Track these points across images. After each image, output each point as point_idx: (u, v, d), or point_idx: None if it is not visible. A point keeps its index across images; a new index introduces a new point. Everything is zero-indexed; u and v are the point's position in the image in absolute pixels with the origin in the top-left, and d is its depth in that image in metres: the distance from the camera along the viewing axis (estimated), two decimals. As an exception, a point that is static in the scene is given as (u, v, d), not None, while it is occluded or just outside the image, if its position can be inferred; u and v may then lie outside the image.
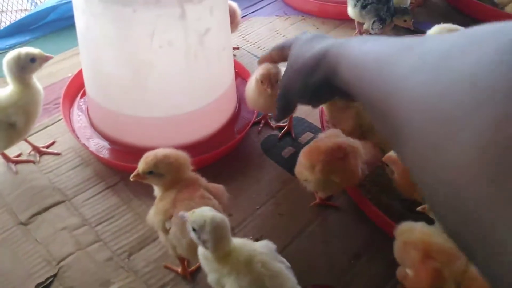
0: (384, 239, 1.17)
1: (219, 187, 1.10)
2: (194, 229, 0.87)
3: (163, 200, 1.05)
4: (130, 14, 1.08)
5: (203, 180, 1.10)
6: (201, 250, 0.92)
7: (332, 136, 1.19)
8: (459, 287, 0.91)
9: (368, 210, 1.25)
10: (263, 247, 0.95)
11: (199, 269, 1.11)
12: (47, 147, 1.44)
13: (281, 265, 0.92)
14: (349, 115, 1.32)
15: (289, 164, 1.41)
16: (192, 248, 0.96)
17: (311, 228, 1.25)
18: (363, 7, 1.87)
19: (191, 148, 1.39)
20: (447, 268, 0.94)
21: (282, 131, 1.50)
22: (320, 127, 1.48)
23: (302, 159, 1.16)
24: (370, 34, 1.91)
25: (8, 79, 1.25)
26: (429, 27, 1.69)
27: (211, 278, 0.92)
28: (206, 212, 0.87)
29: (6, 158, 1.36)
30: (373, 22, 1.84)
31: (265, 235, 1.21)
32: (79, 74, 1.58)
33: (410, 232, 1.02)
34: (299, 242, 1.21)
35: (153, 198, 1.29)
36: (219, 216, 0.88)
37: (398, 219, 1.09)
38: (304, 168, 1.15)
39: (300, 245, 1.20)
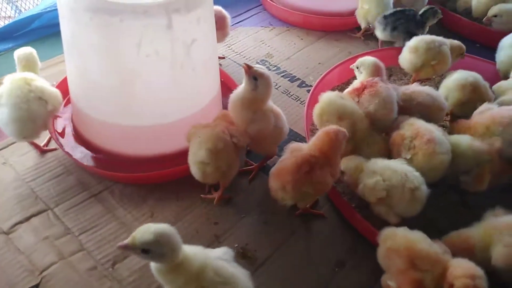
0: (367, 246, 1.20)
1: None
2: (144, 250, 0.84)
3: None
4: (117, 23, 1.08)
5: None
6: (153, 264, 0.91)
7: (295, 151, 1.22)
8: None
9: (352, 218, 1.27)
10: (219, 254, 0.96)
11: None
12: (46, 145, 1.45)
13: (236, 270, 0.93)
14: (344, 125, 1.34)
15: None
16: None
17: (295, 236, 1.26)
18: (393, 29, 1.92)
19: (176, 157, 1.40)
20: (429, 274, 0.96)
21: (252, 174, 1.44)
22: (304, 135, 1.50)
23: (272, 182, 1.19)
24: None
25: None
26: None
27: None
28: (150, 229, 0.85)
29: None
30: (404, 39, 1.87)
31: (250, 243, 1.22)
32: (64, 82, 1.57)
33: (393, 239, 1.04)
34: (284, 250, 1.22)
35: (138, 207, 1.29)
36: (165, 227, 0.87)
37: (380, 227, 1.11)
38: (276, 190, 1.18)
39: (285, 252, 1.21)
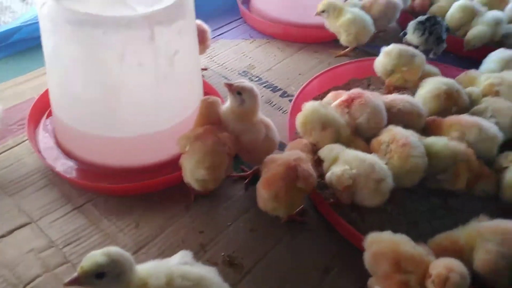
0: (352, 252, 1.21)
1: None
2: (98, 275, 0.80)
3: None
4: (100, 36, 1.10)
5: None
6: None
7: (273, 161, 1.23)
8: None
9: (337, 224, 1.29)
10: (177, 260, 0.95)
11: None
12: None
13: (202, 270, 0.93)
14: (328, 134, 1.38)
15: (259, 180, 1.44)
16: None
17: (282, 243, 1.27)
18: (430, 34, 1.94)
19: (160, 167, 1.41)
20: (414, 275, 0.99)
21: (247, 180, 1.46)
22: (287, 144, 1.53)
23: (262, 191, 1.20)
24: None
25: None
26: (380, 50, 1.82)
27: None
28: (98, 253, 0.82)
29: None
30: (438, 44, 1.93)
31: (236, 251, 1.23)
32: (45, 94, 1.56)
33: (379, 242, 1.07)
34: (271, 257, 1.23)
35: (122, 219, 1.29)
36: (111, 247, 0.84)
37: (365, 232, 1.13)
38: (268, 199, 1.19)
39: (272, 259, 1.22)
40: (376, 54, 1.90)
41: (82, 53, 1.17)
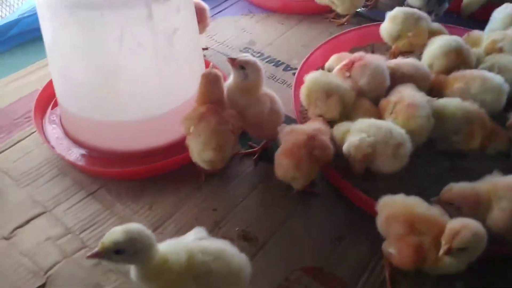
0: (364, 219, 1.22)
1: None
2: (117, 252, 0.81)
3: None
4: (97, 18, 1.09)
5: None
6: (135, 274, 0.87)
7: (294, 130, 1.24)
8: (438, 250, 0.96)
9: (348, 191, 1.29)
10: (192, 237, 0.95)
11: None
12: None
13: (220, 243, 0.94)
14: (333, 101, 1.37)
15: (267, 155, 1.44)
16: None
17: (294, 215, 1.28)
18: None
19: (169, 148, 1.41)
20: (428, 236, 0.98)
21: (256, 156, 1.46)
22: (294, 117, 1.52)
23: (283, 160, 1.19)
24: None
25: None
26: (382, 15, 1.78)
27: None
28: (118, 229, 0.83)
29: None
30: (440, 5, 1.89)
31: (250, 226, 1.24)
32: (49, 85, 1.56)
33: (391, 206, 1.07)
34: (284, 229, 1.24)
35: (135, 202, 1.30)
36: (133, 224, 0.85)
37: (376, 198, 1.13)
38: (288, 168, 1.18)
39: (285, 232, 1.23)
40: (378, 19, 1.87)
41: (81, 37, 1.16)
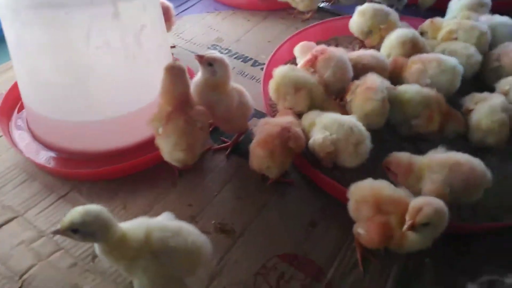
0: (336, 206, 1.26)
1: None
2: (75, 230, 0.86)
3: None
4: (62, 17, 1.08)
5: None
6: (96, 247, 0.91)
7: (268, 122, 1.28)
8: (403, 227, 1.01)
9: (320, 180, 1.33)
10: (159, 219, 0.99)
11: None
12: None
13: (182, 224, 0.96)
14: (302, 95, 1.40)
15: (239, 149, 1.47)
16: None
17: (268, 205, 1.31)
18: None
19: (140, 147, 1.40)
20: (394, 215, 1.04)
21: (228, 151, 1.48)
22: (265, 111, 1.55)
23: (258, 150, 1.23)
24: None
25: None
26: (353, 9, 1.83)
27: (120, 267, 0.93)
28: (77, 210, 0.88)
29: None
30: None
31: (226, 219, 1.26)
32: (13, 88, 1.53)
33: (360, 190, 1.12)
34: (259, 220, 1.26)
35: (108, 202, 1.30)
36: (92, 206, 0.89)
37: (347, 185, 1.17)
38: (263, 157, 1.22)
39: (261, 222, 1.26)
40: (340, 13, 1.92)
41: (47, 37, 1.14)
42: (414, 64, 1.52)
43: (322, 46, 1.52)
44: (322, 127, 1.29)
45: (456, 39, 1.66)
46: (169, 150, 1.22)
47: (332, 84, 1.47)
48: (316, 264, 1.15)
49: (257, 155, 1.23)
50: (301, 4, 2.08)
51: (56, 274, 1.11)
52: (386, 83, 1.43)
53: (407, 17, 1.94)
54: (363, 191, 1.10)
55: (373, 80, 1.40)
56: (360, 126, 1.28)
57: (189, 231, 0.95)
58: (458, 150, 1.21)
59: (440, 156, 1.19)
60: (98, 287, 1.09)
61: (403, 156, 1.21)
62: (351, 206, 1.12)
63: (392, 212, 1.04)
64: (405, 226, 0.99)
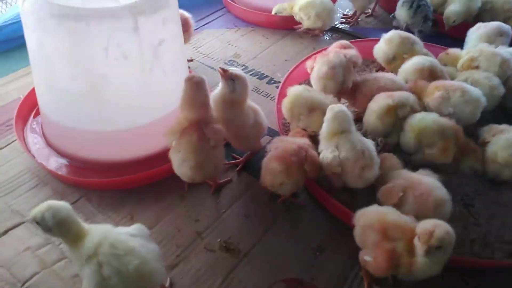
0: (345, 230, 1.23)
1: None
2: (38, 223, 0.90)
3: None
4: (84, 28, 1.09)
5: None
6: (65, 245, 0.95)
7: (283, 140, 1.28)
8: (412, 254, 0.99)
9: (329, 204, 1.31)
10: (129, 230, 0.98)
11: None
12: None
13: (142, 244, 0.94)
14: (316, 116, 1.39)
15: (250, 167, 1.46)
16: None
17: (276, 225, 1.29)
18: (418, 7, 2.01)
19: (152, 159, 1.41)
20: (401, 241, 1.02)
21: (239, 167, 1.48)
22: (277, 129, 1.54)
23: (274, 164, 1.21)
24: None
25: None
26: (373, 33, 1.83)
27: (77, 267, 0.94)
28: (42, 205, 0.91)
29: None
30: (423, 23, 1.99)
31: (232, 237, 1.24)
32: (31, 94, 1.55)
33: (366, 216, 1.10)
34: (266, 240, 1.24)
35: (117, 212, 1.29)
36: (56, 203, 0.92)
37: (355, 210, 1.15)
38: (278, 172, 1.20)
39: (267, 243, 1.24)
40: (358, 36, 1.91)
41: (66, 46, 1.16)
42: (438, 90, 1.48)
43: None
44: (335, 144, 1.24)
45: (477, 67, 1.63)
46: (178, 165, 1.21)
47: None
48: (322, 291, 1.13)
49: (272, 169, 1.21)
50: (306, 22, 2.11)
51: (59, 283, 1.11)
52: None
53: (432, 44, 1.92)
54: (369, 216, 1.08)
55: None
56: (373, 151, 1.25)
57: (141, 255, 0.92)
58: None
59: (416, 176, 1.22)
60: (100, 299, 1.08)
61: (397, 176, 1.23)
62: (357, 231, 1.10)
63: (399, 238, 1.02)
64: (422, 252, 0.97)
